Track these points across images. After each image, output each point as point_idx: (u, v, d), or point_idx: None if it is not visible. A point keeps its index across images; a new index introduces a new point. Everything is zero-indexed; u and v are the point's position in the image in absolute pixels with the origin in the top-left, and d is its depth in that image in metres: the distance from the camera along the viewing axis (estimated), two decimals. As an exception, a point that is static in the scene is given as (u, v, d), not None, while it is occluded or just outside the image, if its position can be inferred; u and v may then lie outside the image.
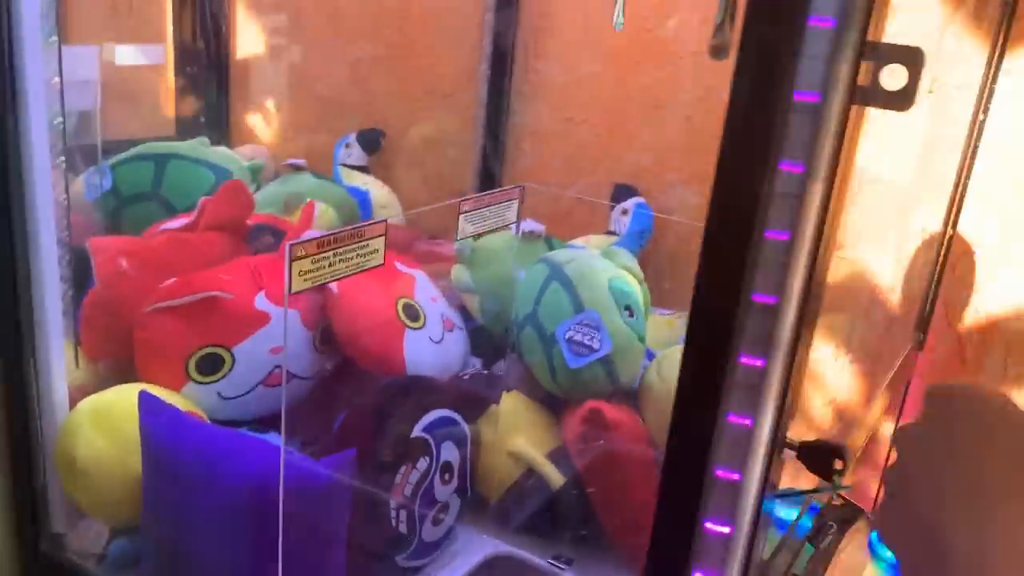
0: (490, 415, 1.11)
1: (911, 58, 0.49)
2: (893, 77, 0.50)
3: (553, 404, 1.14)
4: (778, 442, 0.54)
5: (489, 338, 1.26)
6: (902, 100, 0.50)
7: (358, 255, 0.75)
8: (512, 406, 1.12)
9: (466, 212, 0.88)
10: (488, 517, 1.11)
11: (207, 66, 1.86)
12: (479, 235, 0.94)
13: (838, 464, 0.61)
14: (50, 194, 0.93)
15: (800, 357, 0.52)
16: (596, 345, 1.03)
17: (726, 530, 0.54)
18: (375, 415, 0.97)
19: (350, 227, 0.73)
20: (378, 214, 1.75)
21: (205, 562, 0.87)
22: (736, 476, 0.54)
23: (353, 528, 0.91)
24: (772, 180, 0.48)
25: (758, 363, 0.51)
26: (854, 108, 0.48)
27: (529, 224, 1.31)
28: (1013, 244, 1.25)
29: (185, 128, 1.84)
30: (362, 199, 1.67)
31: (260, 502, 0.81)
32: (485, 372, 1.21)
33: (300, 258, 0.69)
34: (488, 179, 1.66)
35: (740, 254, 0.50)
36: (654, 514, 0.56)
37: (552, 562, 1.07)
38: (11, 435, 0.99)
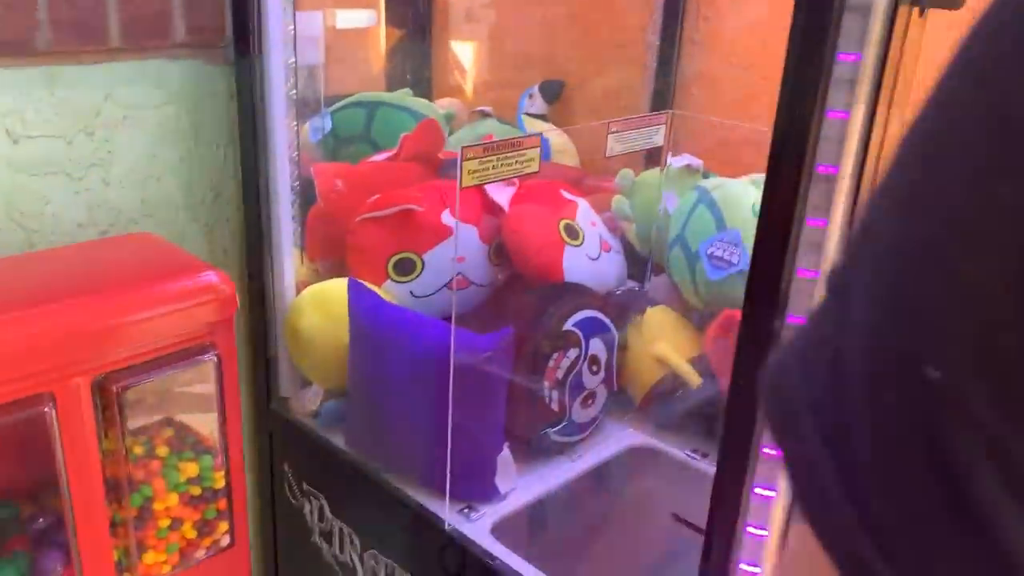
0: (637, 324, 1.25)
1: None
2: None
3: (697, 319, 1.26)
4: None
5: (644, 261, 1.39)
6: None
7: (517, 161, 0.92)
8: (658, 317, 1.26)
9: (614, 132, 1.01)
10: (633, 413, 1.26)
11: (413, 28, 2.10)
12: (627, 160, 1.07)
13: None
14: (285, 127, 1.17)
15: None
16: (735, 260, 1.14)
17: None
18: (535, 310, 1.14)
19: (510, 138, 0.90)
20: (556, 158, 1.92)
21: (396, 415, 1.08)
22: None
23: (514, 401, 1.09)
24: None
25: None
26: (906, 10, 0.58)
27: (686, 158, 1.42)
28: None
29: (393, 84, 2.09)
30: (542, 144, 1.84)
31: (437, 366, 1.00)
32: (637, 289, 1.35)
33: (470, 159, 0.87)
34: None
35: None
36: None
37: (690, 454, 1.20)
38: (252, 314, 1.25)
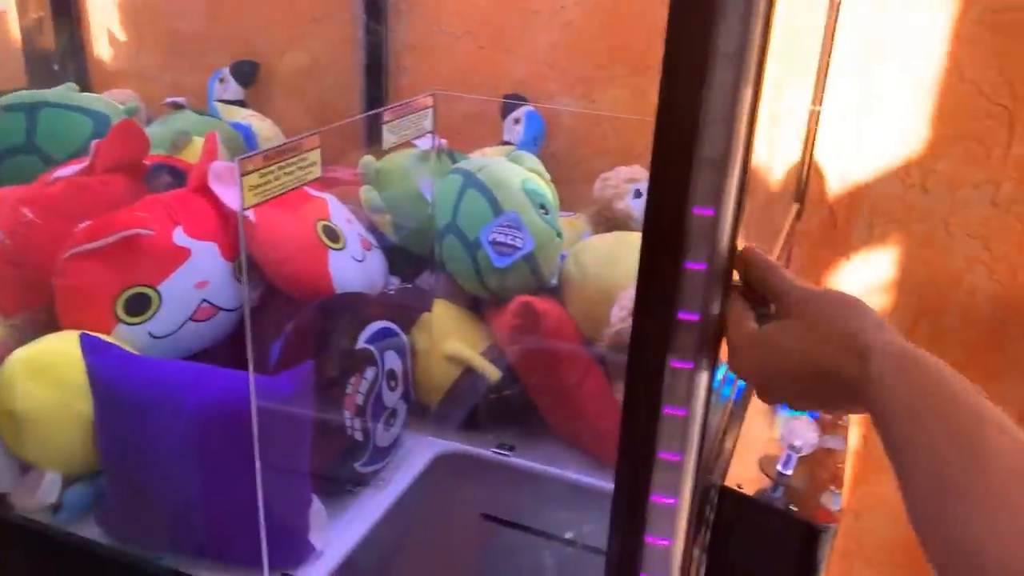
0: (422, 324, 1.15)
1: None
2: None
3: (479, 308, 1.19)
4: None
5: (405, 255, 1.29)
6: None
7: (299, 168, 0.77)
8: (441, 313, 1.17)
9: (388, 122, 0.89)
10: (432, 420, 1.16)
11: (55, 8, 1.74)
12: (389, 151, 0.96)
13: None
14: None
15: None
16: (519, 244, 1.08)
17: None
18: (316, 333, 0.99)
19: (289, 140, 0.74)
20: (263, 147, 1.71)
21: (172, 494, 0.88)
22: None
23: (313, 440, 0.94)
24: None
25: (701, 267, 0.58)
26: None
27: (429, 139, 1.33)
28: (869, 115, 1.38)
29: (38, 77, 1.73)
30: (245, 134, 1.63)
31: (227, 424, 0.82)
32: (411, 287, 1.24)
33: (249, 172, 0.70)
34: (373, 101, 1.66)
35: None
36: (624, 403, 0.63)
37: (496, 451, 1.14)
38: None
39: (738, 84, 0.54)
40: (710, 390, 0.64)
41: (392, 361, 1.04)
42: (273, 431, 0.86)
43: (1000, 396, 1.43)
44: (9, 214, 1.01)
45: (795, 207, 1.37)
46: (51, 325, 1.01)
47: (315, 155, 0.78)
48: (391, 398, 1.04)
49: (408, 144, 1.14)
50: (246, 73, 1.70)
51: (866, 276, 1.45)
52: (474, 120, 1.58)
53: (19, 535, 0.96)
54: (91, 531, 0.94)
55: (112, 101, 1.51)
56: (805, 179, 1.39)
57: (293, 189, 0.78)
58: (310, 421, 0.90)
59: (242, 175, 0.69)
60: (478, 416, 1.16)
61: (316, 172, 0.79)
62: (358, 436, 1.00)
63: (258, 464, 0.81)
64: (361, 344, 0.99)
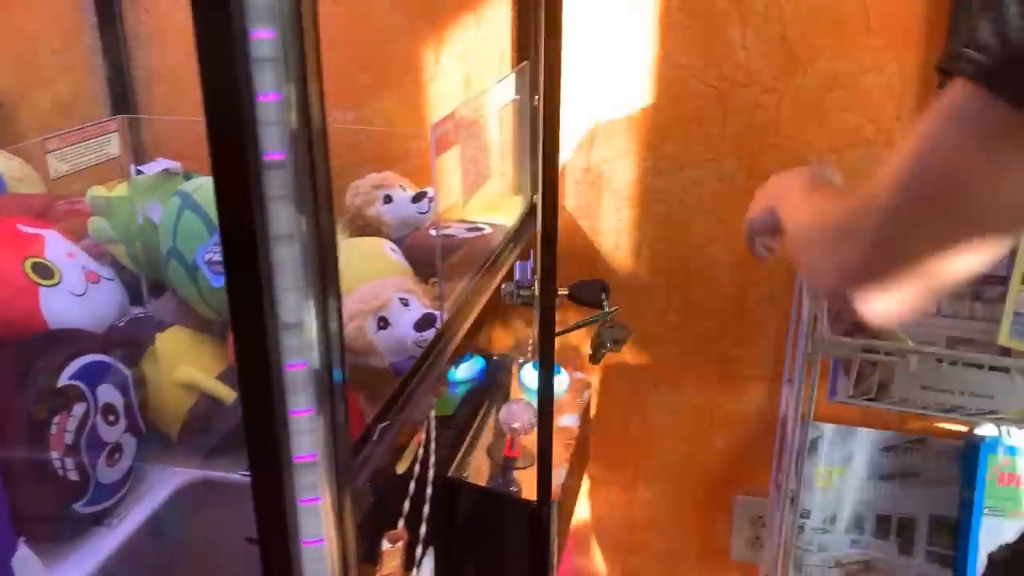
0: (150, 354, 1.12)
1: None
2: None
3: (216, 329, 1.17)
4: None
5: (145, 282, 1.26)
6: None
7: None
8: (172, 340, 1.15)
9: (54, 150, 0.87)
10: (175, 451, 1.14)
11: None
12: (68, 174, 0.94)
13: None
14: None
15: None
16: (236, 261, 1.07)
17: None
18: (15, 374, 0.95)
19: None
20: (15, 188, 1.64)
21: None
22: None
23: (18, 489, 0.90)
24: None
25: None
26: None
27: (162, 163, 1.30)
28: (604, 106, 1.44)
29: None
30: (-17, 180, 1.55)
31: None
32: (142, 316, 1.21)
33: None
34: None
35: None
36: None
37: (244, 473, 1.12)
38: None
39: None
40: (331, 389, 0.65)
41: (109, 395, 1.01)
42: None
43: (754, 359, 1.53)
44: None
45: (532, 199, 1.42)
46: None
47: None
48: (111, 432, 1.01)
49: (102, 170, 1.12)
50: (-13, 112, 1.62)
51: (618, 259, 1.52)
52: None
53: None
54: None
55: None
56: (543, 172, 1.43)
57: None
58: (-4, 469, 0.87)
59: None
60: (223, 440, 1.14)
61: (-47, 210, 0.76)
62: (73, 476, 0.96)
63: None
64: (65, 380, 0.96)
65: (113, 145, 0.94)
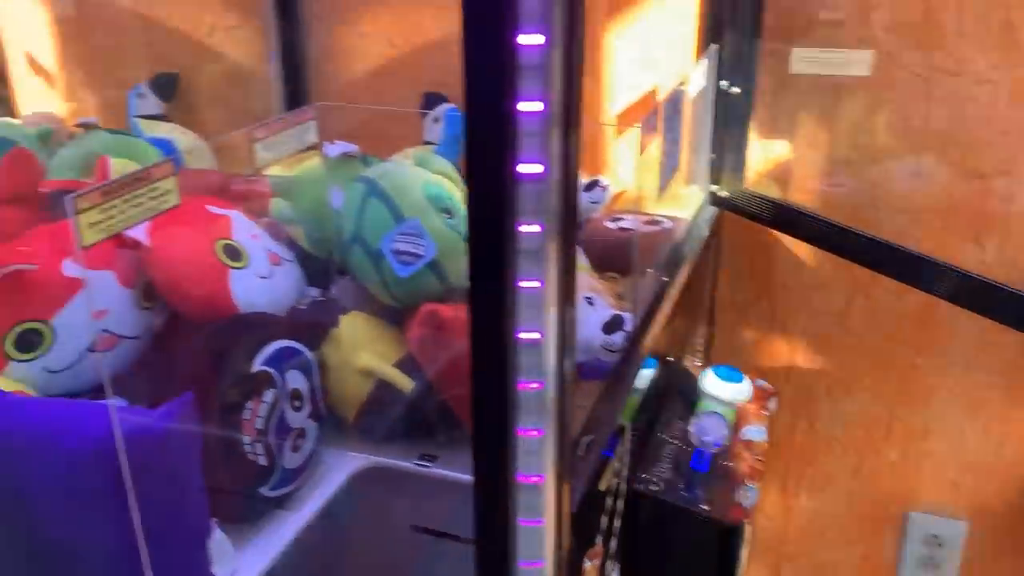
0: (333, 338, 1.12)
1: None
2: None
3: (394, 317, 1.17)
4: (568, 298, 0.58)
5: (322, 265, 1.26)
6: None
7: (149, 198, 0.74)
8: (352, 325, 1.14)
9: (260, 140, 0.87)
10: (350, 436, 1.14)
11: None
12: (277, 161, 0.94)
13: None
14: None
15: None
16: (421, 251, 1.06)
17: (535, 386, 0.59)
18: (211, 358, 0.97)
19: (134, 171, 0.72)
20: (187, 161, 1.69)
21: (58, 541, 0.86)
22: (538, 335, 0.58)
23: (212, 470, 0.92)
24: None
25: (536, 229, 0.55)
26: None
27: (341, 146, 1.30)
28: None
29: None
30: (167, 149, 1.60)
31: (103, 464, 0.80)
32: (323, 299, 1.21)
33: (86, 210, 0.67)
34: (296, 106, 1.63)
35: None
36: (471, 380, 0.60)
37: (418, 463, 1.11)
38: None
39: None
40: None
41: (295, 381, 1.02)
42: (156, 466, 0.84)
43: (941, 369, 1.40)
44: None
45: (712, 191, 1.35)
46: (-59, 367, 0.99)
47: (170, 183, 0.75)
48: (296, 418, 1.02)
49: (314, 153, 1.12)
50: (165, 86, 1.67)
51: (795, 256, 1.43)
52: (392, 123, 1.56)
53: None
54: (-9, 577, 0.92)
55: (23, 126, 1.48)
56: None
57: (151, 218, 0.75)
58: (197, 451, 0.88)
59: (77, 214, 0.66)
60: (398, 428, 1.13)
61: (173, 200, 0.76)
62: (262, 461, 0.97)
63: (132, 502, 0.78)
64: (258, 366, 0.97)
65: (311, 133, 0.93)
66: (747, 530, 0.93)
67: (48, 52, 1.79)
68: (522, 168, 0.54)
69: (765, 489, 1.52)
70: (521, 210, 0.55)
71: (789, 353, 1.45)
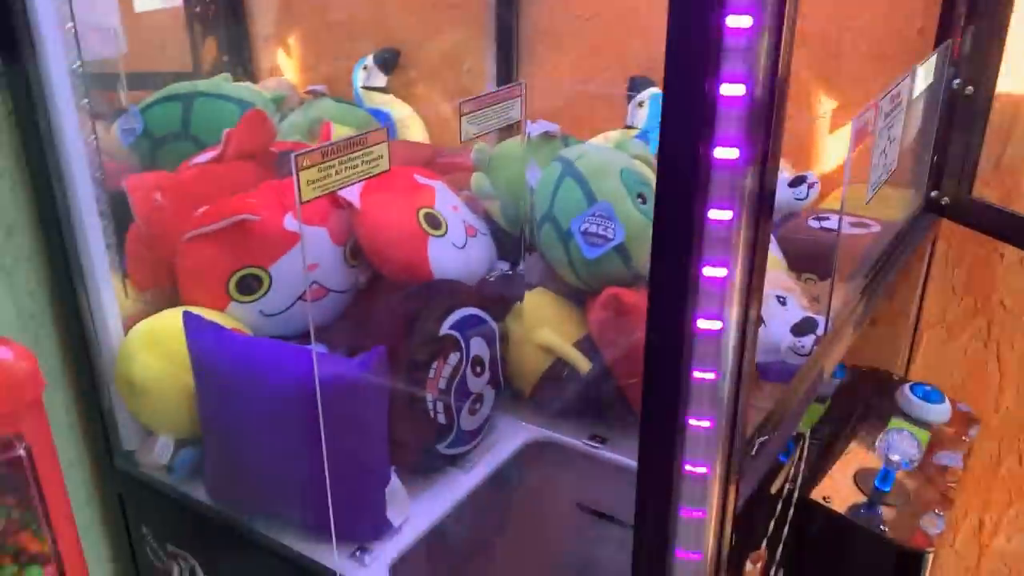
0: (517, 312, 1.16)
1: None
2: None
3: (578, 297, 1.18)
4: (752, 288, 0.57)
5: (512, 241, 1.30)
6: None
7: (363, 162, 0.79)
8: (537, 302, 1.17)
9: (467, 114, 0.90)
10: (524, 407, 1.17)
11: (223, 4, 1.89)
12: (480, 136, 0.97)
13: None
14: (79, 138, 0.98)
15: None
16: (610, 235, 1.06)
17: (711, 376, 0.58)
18: (404, 318, 1.02)
19: (352, 135, 0.77)
20: (401, 132, 1.78)
21: (258, 462, 0.95)
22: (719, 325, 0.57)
23: (395, 422, 0.98)
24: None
25: (726, 215, 0.54)
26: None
27: (543, 125, 1.33)
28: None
29: (208, 69, 1.88)
30: (384, 119, 1.70)
31: (302, 399, 0.87)
32: (511, 273, 1.25)
33: (307, 168, 0.73)
34: (505, 84, 1.67)
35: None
36: (644, 369, 0.60)
37: (587, 442, 1.13)
38: (75, 365, 1.07)
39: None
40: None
41: (478, 347, 1.06)
42: (347, 410, 0.91)
43: None
44: (144, 199, 1.11)
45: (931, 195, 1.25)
46: (177, 301, 1.11)
47: (381, 149, 0.81)
48: (476, 383, 1.06)
49: (514, 132, 1.15)
50: (388, 60, 1.77)
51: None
52: (596, 105, 1.56)
53: (145, 488, 1.07)
54: (200, 492, 1.03)
55: (260, 90, 1.62)
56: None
57: (360, 181, 0.80)
58: (384, 402, 0.94)
59: (298, 171, 0.73)
60: (571, 406, 1.15)
61: (383, 165, 0.82)
62: (441, 419, 1.02)
63: (323, 440, 0.85)
64: (446, 330, 1.02)
65: (516, 110, 0.96)
66: (929, 559, 0.87)
67: (287, 24, 1.94)
68: (718, 152, 0.53)
69: (956, 522, 1.41)
70: (713, 195, 0.54)
71: (1001, 380, 1.33)
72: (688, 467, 0.63)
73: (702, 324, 0.58)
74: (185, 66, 1.89)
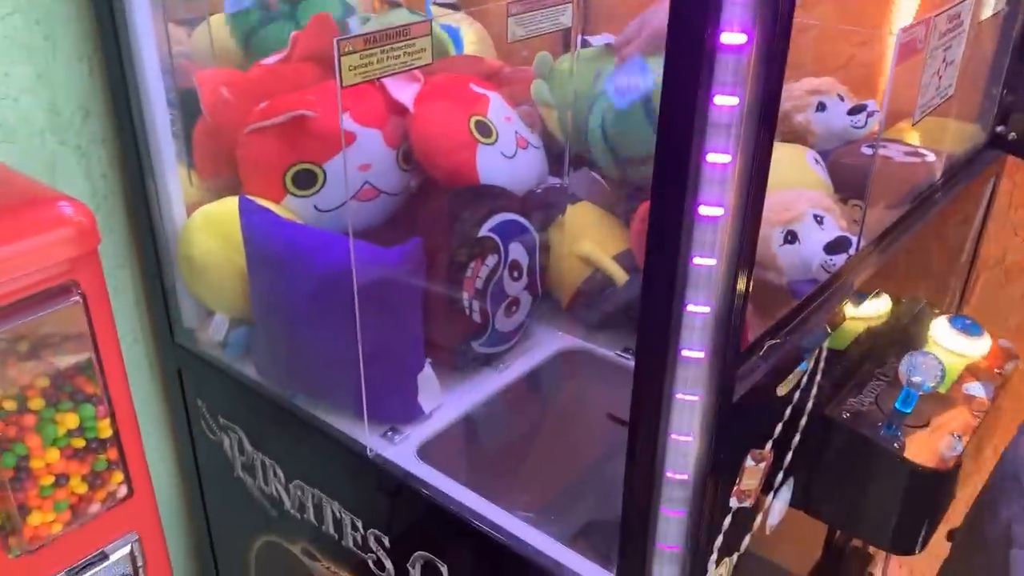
0: (559, 223, 1.18)
1: None
2: None
3: (622, 213, 1.20)
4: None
5: (564, 154, 1.31)
6: None
7: (405, 53, 0.82)
8: (579, 214, 1.19)
9: (515, 15, 0.92)
10: (562, 317, 1.21)
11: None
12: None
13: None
14: (151, 30, 1.04)
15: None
16: (639, 84, 1.06)
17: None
18: (447, 217, 1.06)
19: (394, 26, 0.80)
20: (469, 51, 1.80)
21: (305, 340, 1.01)
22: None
23: (431, 317, 1.03)
24: None
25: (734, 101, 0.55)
26: None
27: (606, 37, 1.33)
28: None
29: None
30: (454, 36, 1.72)
31: (343, 285, 0.92)
32: (558, 186, 1.27)
33: (348, 53, 0.77)
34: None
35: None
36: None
37: (620, 354, 1.16)
38: (141, 246, 1.15)
39: None
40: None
41: (517, 252, 1.09)
42: (385, 299, 0.96)
43: None
44: (211, 93, 1.17)
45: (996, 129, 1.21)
46: (238, 191, 1.17)
47: (424, 41, 0.83)
48: (514, 287, 1.10)
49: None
50: (461, -23, 1.78)
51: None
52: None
53: (202, 364, 1.15)
54: (250, 369, 1.10)
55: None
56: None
57: (402, 71, 0.83)
58: (420, 293, 0.98)
59: (340, 55, 0.76)
60: (606, 317, 1.18)
61: (426, 58, 0.84)
62: (476, 318, 1.06)
63: (359, 326, 0.90)
64: (485, 232, 1.05)
65: (567, 16, 0.97)
66: (945, 480, 0.88)
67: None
68: (724, 37, 0.54)
69: (975, 450, 1.39)
70: (718, 80, 0.56)
71: (1058, 329, 1.29)
72: (683, 357, 0.65)
73: (703, 211, 0.60)
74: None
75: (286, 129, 1.11)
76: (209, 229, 1.06)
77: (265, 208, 1.02)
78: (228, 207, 1.07)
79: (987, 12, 1.01)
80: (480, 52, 1.77)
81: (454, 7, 1.78)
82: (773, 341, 0.76)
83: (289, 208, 1.13)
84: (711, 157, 0.58)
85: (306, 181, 1.13)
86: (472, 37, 1.77)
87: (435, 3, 1.78)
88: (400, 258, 0.94)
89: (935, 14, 0.86)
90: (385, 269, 0.94)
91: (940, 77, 0.94)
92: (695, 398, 0.65)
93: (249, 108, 1.15)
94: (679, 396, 0.65)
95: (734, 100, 0.56)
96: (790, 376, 0.78)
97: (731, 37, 0.54)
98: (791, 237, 0.97)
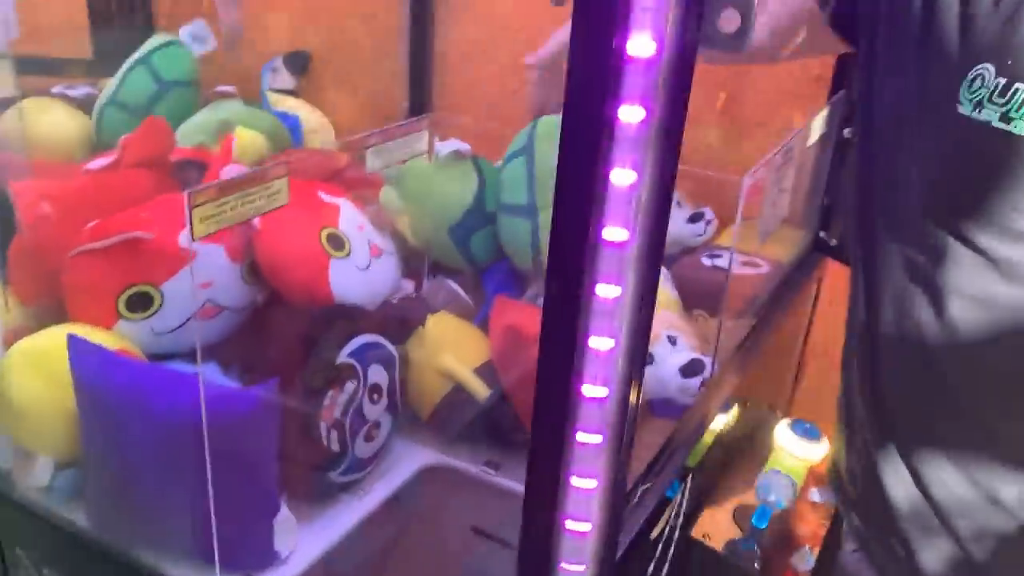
0: (418, 336, 1.16)
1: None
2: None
3: (480, 322, 1.19)
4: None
5: (421, 258, 1.30)
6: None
7: (261, 197, 0.78)
8: (439, 326, 1.17)
9: (372, 147, 0.90)
10: (422, 431, 1.18)
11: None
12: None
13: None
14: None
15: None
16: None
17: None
18: (302, 344, 1.01)
19: (250, 171, 0.76)
20: (309, 139, 1.75)
21: (142, 490, 0.92)
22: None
23: (287, 449, 0.97)
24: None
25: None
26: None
27: (453, 144, 1.33)
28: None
29: (106, 56, 1.80)
30: (292, 124, 1.67)
31: (187, 432, 0.85)
32: (415, 295, 1.25)
33: (201, 204, 0.72)
34: (419, 95, 1.67)
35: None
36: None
37: (483, 468, 1.14)
38: (-51, 380, 1.02)
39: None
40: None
41: (377, 375, 1.06)
42: (236, 442, 0.89)
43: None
44: (30, 207, 1.07)
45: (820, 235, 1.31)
46: (65, 315, 1.07)
47: (281, 183, 0.80)
48: (373, 411, 1.06)
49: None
50: (299, 63, 1.74)
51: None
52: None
53: (20, 510, 1.03)
54: (80, 515, 1.00)
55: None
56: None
57: (264, 213, 0.79)
58: (276, 432, 0.93)
59: (192, 207, 0.71)
60: (467, 431, 1.16)
61: (282, 199, 0.81)
62: (335, 447, 1.02)
63: (208, 473, 0.84)
64: (343, 358, 1.01)
65: (422, 142, 0.96)
66: (799, 596, 0.92)
67: (191, 18, 1.88)
68: (615, 175, 0.53)
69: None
70: (608, 215, 0.55)
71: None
72: (569, 523, 0.64)
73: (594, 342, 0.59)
74: (83, 53, 1.82)
75: (118, 250, 1.02)
76: (31, 367, 0.96)
77: (96, 347, 0.93)
78: (53, 340, 0.97)
79: (813, 138, 1.10)
80: (321, 139, 1.73)
81: (292, 93, 1.73)
82: (645, 486, 0.77)
83: (122, 333, 1.04)
84: (600, 289, 0.57)
85: (141, 304, 1.05)
86: (313, 124, 1.73)
87: (272, 89, 1.72)
88: (256, 400, 0.89)
89: (773, 154, 0.92)
90: (238, 412, 0.88)
91: (776, 205, 1.00)
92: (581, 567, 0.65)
93: (76, 224, 1.06)
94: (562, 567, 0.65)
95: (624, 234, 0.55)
96: (661, 518, 0.80)
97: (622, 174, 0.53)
98: (648, 359, 1.00)
